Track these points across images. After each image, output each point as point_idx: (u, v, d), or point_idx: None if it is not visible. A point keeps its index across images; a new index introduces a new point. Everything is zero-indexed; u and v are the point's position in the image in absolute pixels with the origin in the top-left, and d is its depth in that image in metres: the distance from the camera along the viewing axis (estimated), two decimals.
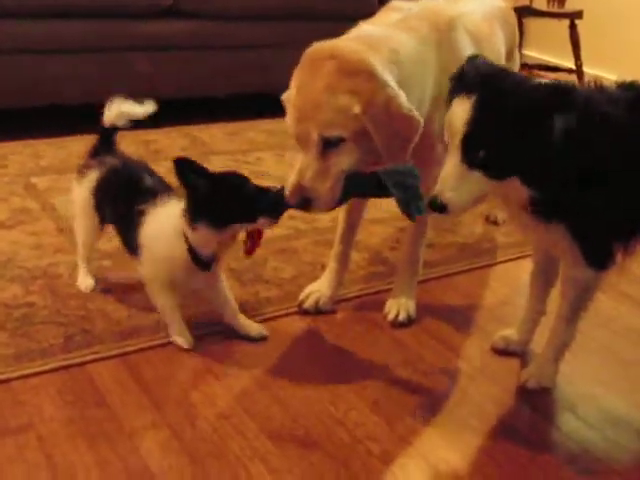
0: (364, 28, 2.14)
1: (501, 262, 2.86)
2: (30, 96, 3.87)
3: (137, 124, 3.63)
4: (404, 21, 2.17)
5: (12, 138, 3.70)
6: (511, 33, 2.74)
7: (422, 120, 1.98)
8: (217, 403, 1.96)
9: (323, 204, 1.98)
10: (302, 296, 2.42)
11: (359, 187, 2.00)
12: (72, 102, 4.00)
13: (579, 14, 5.44)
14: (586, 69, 5.54)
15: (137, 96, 4.08)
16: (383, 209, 3.15)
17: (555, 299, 2.10)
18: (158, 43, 4.12)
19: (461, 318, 2.46)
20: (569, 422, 2.00)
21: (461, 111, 1.74)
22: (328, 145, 1.93)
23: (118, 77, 4.04)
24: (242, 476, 1.73)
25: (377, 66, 1.95)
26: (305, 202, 1.96)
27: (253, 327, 2.27)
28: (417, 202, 1.96)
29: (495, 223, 3.16)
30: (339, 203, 2.03)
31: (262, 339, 2.25)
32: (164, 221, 2.11)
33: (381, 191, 1.97)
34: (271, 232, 2.86)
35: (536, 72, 5.57)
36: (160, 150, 3.74)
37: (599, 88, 1.89)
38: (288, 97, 2.02)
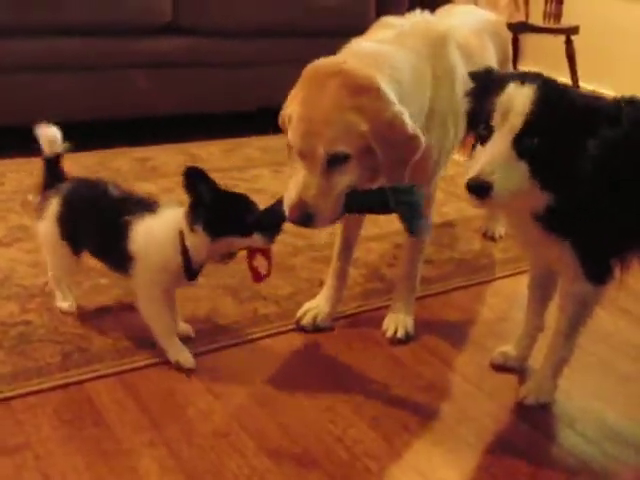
0: (362, 45, 2.14)
1: (499, 278, 2.85)
2: (28, 114, 3.86)
3: (133, 141, 3.65)
4: (399, 38, 2.17)
5: (9, 156, 3.69)
6: (503, 46, 2.74)
7: (423, 140, 1.98)
8: (215, 421, 1.96)
9: (324, 220, 1.97)
10: (300, 313, 2.41)
11: (361, 203, 2.00)
12: (70, 119, 3.99)
13: (575, 30, 5.46)
14: (582, 84, 5.56)
15: (135, 113, 4.13)
16: (380, 226, 3.15)
17: (553, 314, 2.10)
18: (156, 60, 4.13)
19: (459, 334, 2.46)
20: (568, 438, 2.00)
21: (523, 95, 1.68)
22: (333, 162, 1.93)
23: (117, 94, 4.06)
24: None
25: (382, 84, 1.95)
26: (307, 218, 1.95)
27: (182, 325, 2.27)
28: (419, 220, 1.95)
29: (492, 239, 3.16)
30: (338, 219, 2.03)
31: (188, 337, 2.25)
32: (157, 228, 2.10)
33: (384, 208, 1.97)
34: None
35: None
36: (157, 167, 3.73)
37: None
38: (289, 113, 2.02)
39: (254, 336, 2.32)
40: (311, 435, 1.93)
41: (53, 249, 2.31)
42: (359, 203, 1.99)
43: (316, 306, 2.42)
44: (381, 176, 2.01)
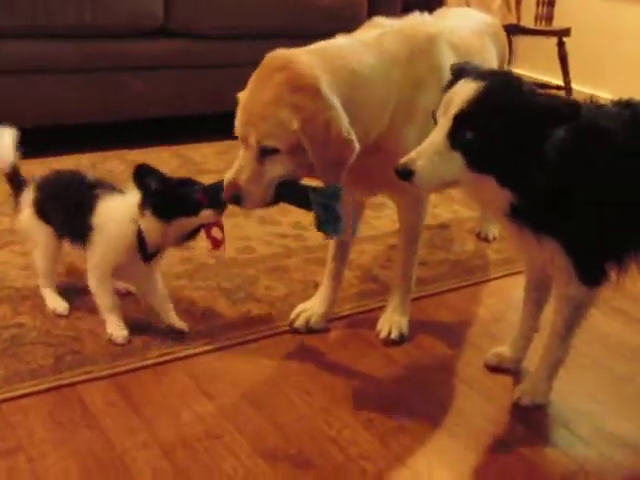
0: (328, 42, 2.14)
1: (493, 279, 2.85)
2: (19, 117, 3.85)
3: (126, 144, 3.63)
4: (379, 38, 2.17)
5: None
6: (502, 48, 2.75)
7: (358, 146, 1.99)
8: (209, 422, 1.95)
9: (252, 203, 2.03)
10: (293, 315, 2.41)
11: (289, 195, 2.05)
12: (62, 122, 3.99)
13: (567, 32, 5.46)
14: (574, 86, 5.57)
15: (127, 116, 4.12)
16: (374, 227, 3.15)
17: (549, 316, 2.09)
18: (148, 62, 4.12)
19: (454, 335, 2.45)
20: (564, 439, 1.99)
21: (465, 90, 1.74)
22: (265, 152, 1.98)
23: (108, 97, 4.04)
24: None
25: (324, 86, 1.96)
26: (236, 199, 2.02)
27: (178, 322, 2.33)
28: (335, 223, 2.00)
29: (486, 240, 3.15)
30: (268, 205, 2.07)
31: (182, 333, 2.30)
32: (119, 206, 2.24)
33: (306, 204, 2.02)
34: (262, 250, 2.89)
35: None
36: None
37: (596, 105, 1.90)
38: (241, 97, 2.06)
39: (248, 337, 2.31)
40: (306, 436, 1.92)
41: (36, 234, 2.40)
42: (285, 195, 2.04)
43: (310, 308, 2.41)
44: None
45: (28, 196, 2.40)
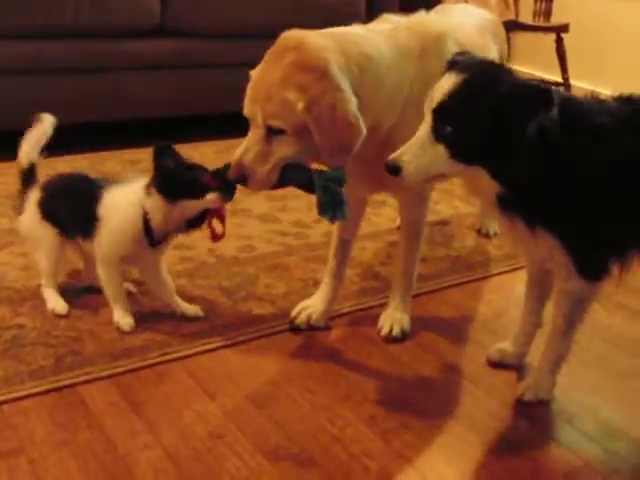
0: (348, 28, 2.14)
1: (494, 274, 2.84)
2: (15, 117, 3.84)
3: (124, 144, 3.63)
4: (391, 31, 2.16)
5: None
6: (502, 45, 2.74)
7: (364, 130, 1.97)
8: (211, 422, 1.94)
9: (257, 183, 2.03)
10: (294, 313, 2.40)
11: (294, 177, 2.04)
12: (59, 123, 3.97)
13: (565, 27, 5.45)
14: (573, 82, 5.55)
15: (125, 115, 4.11)
16: (374, 224, 3.14)
17: (551, 311, 2.08)
18: (146, 62, 4.12)
19: (455, 331, 2.44)
20: (568, 434, 1.98)
21: (446, 84, 1.77)
22: (271, 132, 1.97)
23: (106, 97, 4.04)
24: None
25: (333, 67, 1.95)
26: (242, 179, 2.03)
27: (190, 308, 2.38)
28: (337, 207, 2.00)
29: (487, 236, 3.14)
30: (275, 187, 2.06)
31: (197, 318, 2.36)
32: (122, 194, 2.29)
33: (310, 187, 2.02)
34: (262, 249, 2.88)
35: None
36: (148, 170, 3.69)
37: (595, 100, 1.89)
38: (252, 74, 2.06)
39: (249, 336, 2.31)
40: (308, 435, 1.91)
41: (40, 235, 2.40)
42: (289, 177, 2.03)
43: (310, 305, 2.40)
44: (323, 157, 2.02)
45: (33, 196, 2.41)
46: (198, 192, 2.17)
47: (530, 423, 2.01)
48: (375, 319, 2.42)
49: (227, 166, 2.08)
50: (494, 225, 3.14)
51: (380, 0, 4.73)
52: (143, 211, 2.23)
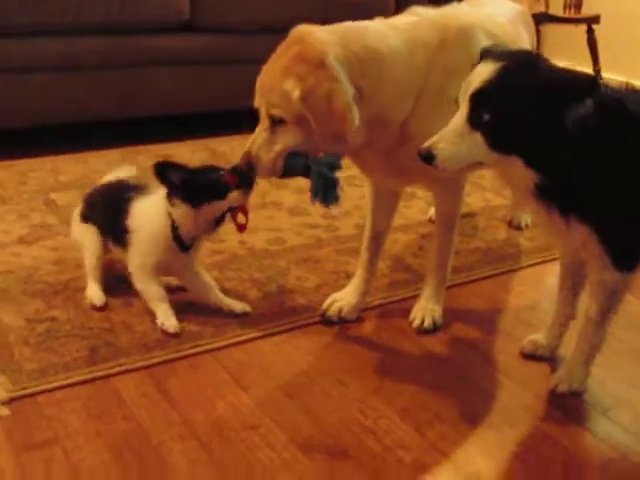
0: (359, 22, 2.16)
1: (526, 266, 2.82)
2: (48, 114, 3.88)
3: (155, 138, 3.66)
4: (411, 24, 2.17)
5: (31, 155, 3.71)
6: (532, 36, 2.73)
7: (357, 120, 1.99)
8: (244, 413, 1.94)
9: (262, 171, 2.10)
10: (325, 305, 2.40)
11: (293, 165, 2.09)
12: (90, 119, 4.01)
13: (596, 19, 5.41)
14: (605, 74, 5.50)
15: (156, 111, 4.13)
16: (405, 217, 3.13)
17: (584, 302, 2.06)
18: (176, 58, 4.13)
19: (487, 323, 2.43)
20: (603, 426, 1.96)
21: (483, 71, 1.74)
22: (275, 122, 2.05)
23: (137, 92, 4.06)
24: None
25: (331, 58, 1.98)
26: (250, 167, 2.10)
27: (236, 305, 2.38)
28: (328, 192, 2.06)
29: (519, 228, 3.12)
30: (281, 175, 2.12)
31: (245, 314, 2.36)
32: (150, 204, 2.33)
33: (306, 172, 2.08)
34: (293, 241, 2.89)
35: None
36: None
37: (631, 90, 1.87)
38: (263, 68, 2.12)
39: (281, 328, 2.31)
40: (342, 426, 1.90)
41: (83, 236, 2.49)
42: (289, 164, 2.09)
43: (342, 297, 2.40)
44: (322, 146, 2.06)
45: (77, 208, 2.55)
46: (221, 193, 2.21)
47: (564, 414, 2.00)
48: (407, 311, 2.41)
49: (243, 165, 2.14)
50: (526, 217, 3.11)
51: None
52: (170, 219, 2.27)
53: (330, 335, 2.31)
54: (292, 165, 2.08)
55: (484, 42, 2.22)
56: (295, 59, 2.00)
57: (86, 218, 2.48)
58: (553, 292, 2.22)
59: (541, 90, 1.68)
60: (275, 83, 2.01)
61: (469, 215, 3.24)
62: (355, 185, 3.32)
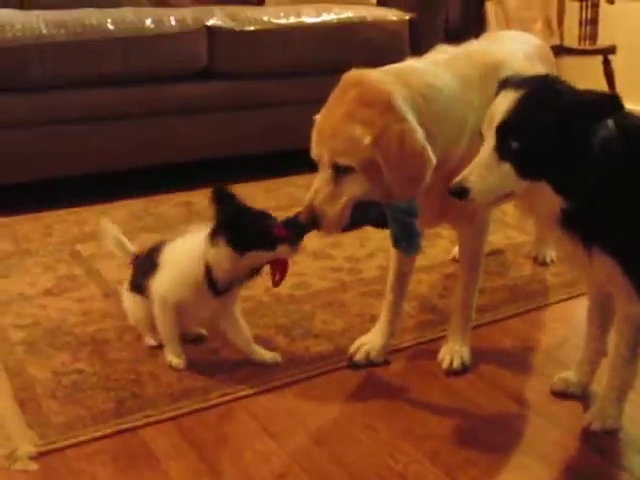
0: (406, 62, 2.15)
1: (554, 303, 2.78)
2: (71, 165, 3.92)
3: (176, 186, 3.69)
4: (451, 61, 2.17)
5: (55, 207, 3.74)
6: (551, 70, 2.71)
7: (434, 160, 1.95)
8: (273, 462, 1.92)
9: (329, 225, 2.00)
10: (352, 349, 2.38)
11: (365, 215, 2.02)
12: (113, 168, 4.04)
13: (612, 49, 5.41)
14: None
15: (176, 158, 4.16)
16: (428, 257, 3.11)
17: (614, 337, 2.03)
18: (194, 105, 4.16)
19: (516, 362, 2.40)
20: (638, 464, 1.92)
21: (505, 101, 1.74)
22: (339, 171, 1.96)
23: (156, 141, 4.09)
24: None
25: (397, 98, 1.94)
26: (314, 221, 2.00)
27: (267, 354, 2.35)
28: (411, 239, 2.00)
29: (544, 264, 3.09)
30: (348, 228, 2.04)
31: (275, 364, 2.32)
32: (185, 244, 2.28)
33: (382, 222, 2.02)
34: (317, 285, 2.87)
35: None
36: (201, 212, 3.74)
37: None
38: (316, 119, 2.06)
39: (308, 374, 2.29)
40: (372, 473, 1.88)
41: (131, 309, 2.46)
42: (360, 215, 2.01)
43: (369, 341, 2.38)
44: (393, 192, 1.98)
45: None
46: (269, 244, 2.11)
47: (599, 454, 1.96)
48: (434, 352, 2.39)
49: (297, 216, 2.05)
50: (550, 252, 3.09)
51: (423, 32, 4.75)
52: (205, 261, 2.19)
53: (357, 379, 2.29)
54: (364, 215, 2.01)
55: None
56: (357, 102, 1.94)
57: (135, 287, 2.40)
58: (582, 328, 2.19)
59: (565, 111, 1.69)
60: (339, 130, 1.93)
61: (493, 253, 3.21)
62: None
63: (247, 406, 2.14)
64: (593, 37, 5.66)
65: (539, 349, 2.49)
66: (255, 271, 2.23)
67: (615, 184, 1.76)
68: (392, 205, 1.99)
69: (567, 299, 2.80)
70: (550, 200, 1.76)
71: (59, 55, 3.74)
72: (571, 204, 1.75)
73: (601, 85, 5.46)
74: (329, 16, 4.51)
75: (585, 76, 5.74)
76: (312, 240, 3.27)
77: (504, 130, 1.73)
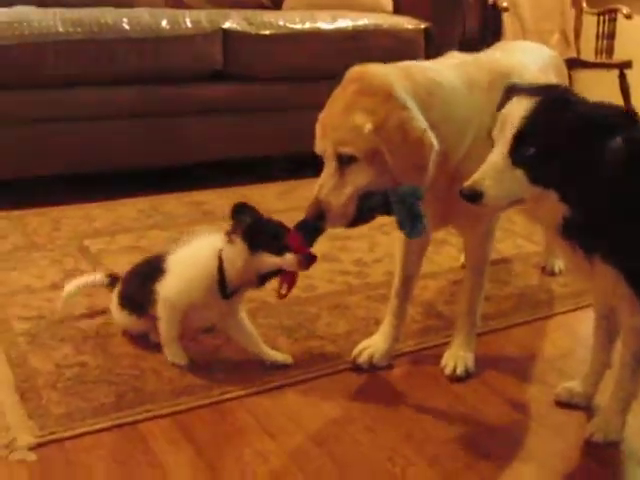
0: (415, 62, 2.17)
1: (560, 313, 2.77)
2: (83, 162, 3.94)
3: (186, 186, 3.69)
4: (460, 64, 2.18)
5: (64, 202, 3.75)
6: (564, 81, 2.72)
7: (436, 145, 1.96)
8: (272, 461, 1.91)
9: (335, 218, 2.00)
10: (356, 352, 2.37)
11: (370, 203, 2.01)
12: (123, 167, 4.06)
13: (628, 64, 5.40)
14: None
15: (187, 159, 4.17)
16: (436, 263, 3.11)
17: (620, 349, 2.02)
18: (208, 106, 4.18)
19: (520, 371, 2.38)
20: (639, 477, 1.91)
21: (521, 107, 1.74)
22: (344, 162, 1.97)
23: (169, 141, 4.10)
24: None
25: (397, 87, 1.96)
26: (320, 216, 2.00)
27: (279, 355, 2.34)
28: (415, 221, 1.98)
29: (552, 274, 3.08)
30: (355, 222, 2.04)
31: (287, 366, 2.32)
32: (202, 243, 2.28)
33: (387, 208, 2.00)
34: (324, 288, 2.86)
35: None
36: (211, 211, 3.75)
37: None
38: (320, 115, 2.07)
39: (310, 375, 2.28)
40: (370, 475, 1.87)
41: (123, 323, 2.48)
42: (365, 204, 2.00)
43: (372, 344, 2.37)
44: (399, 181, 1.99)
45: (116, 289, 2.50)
46: (279, 249, 2.12)
47: (600, 465, 1.94)
48: (438, 358, 2.37)
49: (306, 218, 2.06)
50: (559, 262, 3.08)
51: (438, 40, 4.75)
52: (219, 261, 2.20)
53: (359, 382, 2.28)
54: (370, 205, 2.00)
55: None
56: (358, 94, 1.96)
57: (124, 304, 2.42)
58: (587, 339, 2.18)
59: (583, 123, 1.69)
60: (341, 121, 1.96)
61: (502, 261, 3.21)
62: (384, 233, 3.33)
63: (247, 405, 2.14)
64: (609, 51, 5.66)
65: (543, 358, 2.47)
66: (263, 280, 2.23)
67: (620, 196, 1.75)
68: (397, 189, 1.98)
69: (574, 310, 2.78)
70: (554, 207, 1.75)
71: (74, 53, 3.77)
72: (574, 213, 1.74)
73: (617, 99, 5.45)
74: (345, 22, 4.53)
75: (601, 90, 5.73)
76: (321, 243, 3.27)
77: (520, 136, 1.72)
